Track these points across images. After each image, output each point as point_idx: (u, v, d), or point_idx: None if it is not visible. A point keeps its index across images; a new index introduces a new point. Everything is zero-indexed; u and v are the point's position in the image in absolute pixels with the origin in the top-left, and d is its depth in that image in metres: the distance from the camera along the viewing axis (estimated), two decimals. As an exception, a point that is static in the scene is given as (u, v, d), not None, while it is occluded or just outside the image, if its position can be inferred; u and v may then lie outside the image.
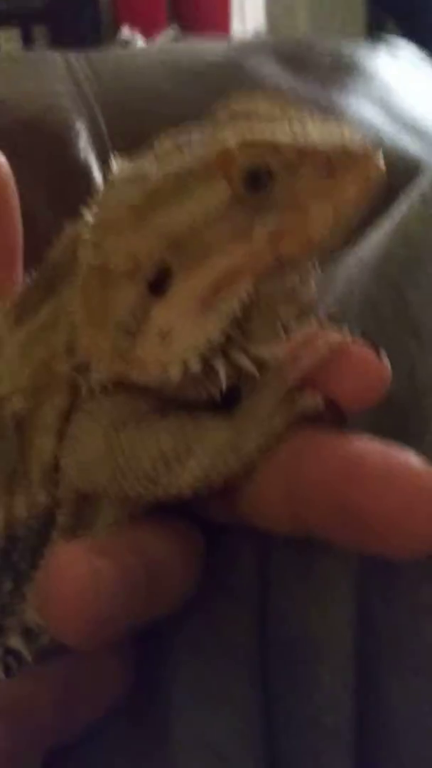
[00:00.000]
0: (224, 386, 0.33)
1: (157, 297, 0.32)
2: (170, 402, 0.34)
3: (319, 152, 0.30)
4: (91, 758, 0.39)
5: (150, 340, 0.32)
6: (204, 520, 0.37)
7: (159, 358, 0.32)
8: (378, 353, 0.31)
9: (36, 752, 0.36)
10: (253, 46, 0.77)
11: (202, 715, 0.38)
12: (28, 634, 0.36)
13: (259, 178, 0.30)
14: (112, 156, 0.35)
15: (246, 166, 0.30)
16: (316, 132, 0.31)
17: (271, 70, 0.72)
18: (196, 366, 0.31)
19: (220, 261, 0.31)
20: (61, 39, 2.83)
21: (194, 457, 0.32)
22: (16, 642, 0.36)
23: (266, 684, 0.38)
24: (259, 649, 0.38)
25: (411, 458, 0.28)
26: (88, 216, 0.33)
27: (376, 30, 3.16)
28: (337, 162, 0.30)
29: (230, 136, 0.31)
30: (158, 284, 0.32)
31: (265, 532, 0.35)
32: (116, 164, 0.35)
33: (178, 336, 0.31)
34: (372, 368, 0.31)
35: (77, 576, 0.28)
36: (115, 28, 4.35)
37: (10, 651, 0.36)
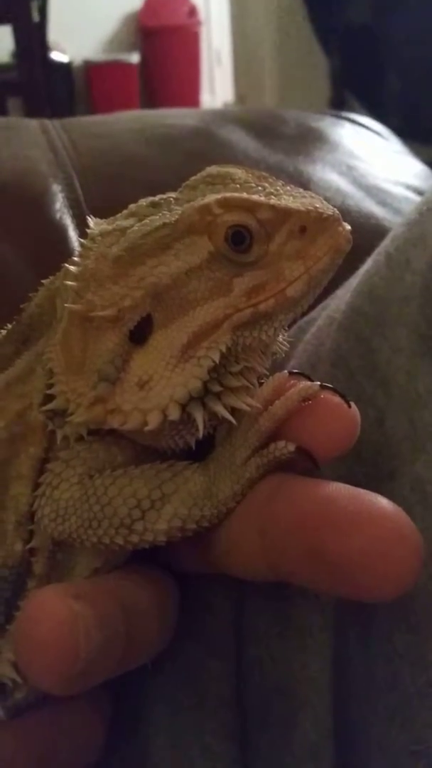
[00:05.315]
0: (201, 434, 0.33)
1: (137, 346, 0.33)
2: (145, 450, 0.35)
3: (294, 215, 0.32)
4: None
5: (129, 388, 0.32)
6: (177, 570, 0.37)
7: (138, 405, 0.32)
8: (347, 401, 0.32)
9: None
10: (223, 115, 0.80)
11: (181, 767, 0.37)
12: (2, 689, 0.36)
13: (240, 237, 0.32)
14: (88, 217, 0.37)
15: (229, 224, 0.32)
16: (289, 198, 0.33)
17: (240, 138, 0.75)
18: (174, 414, 0.32)
19: (200, 313, 0.32)
20: (36, 112, 2.89)
21: (169, 504, 0.32)
22: (-11, 698, 0.36)
23: (244, 734, 0.37)
24: (235, 699, 0.38)
25: (381, 501, 0.29)
26: (70, 267, 0.34)
27: (339, 106, 3.30)
28: (310, 225, 0.32)
29: (211, 197, 0.32)
30: (139, 333, 0.33)
31: (239, 581, 0.35)
32: (92, 222, 0.36)
33: (157, 384, 0.32)
34: (342, 415, 0.32)
35: (56, 618, 0.28)
36: (89, 101, 4.48)
37: (-18, 707, 0.36)
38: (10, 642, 0.35)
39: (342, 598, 0.35)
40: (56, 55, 3.84)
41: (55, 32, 3.34)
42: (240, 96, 3.91)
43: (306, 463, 0.32)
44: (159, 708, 0.39)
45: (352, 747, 0.35)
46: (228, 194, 0.32)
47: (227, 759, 0.37)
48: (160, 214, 0.33)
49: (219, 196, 0.32)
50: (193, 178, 0.36)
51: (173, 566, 0.37)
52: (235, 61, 4.03)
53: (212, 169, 0.35)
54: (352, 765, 0.35)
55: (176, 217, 0.32)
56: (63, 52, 4.08)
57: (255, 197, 0.32)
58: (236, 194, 0.32)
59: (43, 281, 0.37)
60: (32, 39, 2.91)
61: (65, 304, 0.33)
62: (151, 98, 4.66)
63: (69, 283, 0.33)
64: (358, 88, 3.33)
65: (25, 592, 0.35)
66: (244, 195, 0.32)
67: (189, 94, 4.74)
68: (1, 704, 0.35)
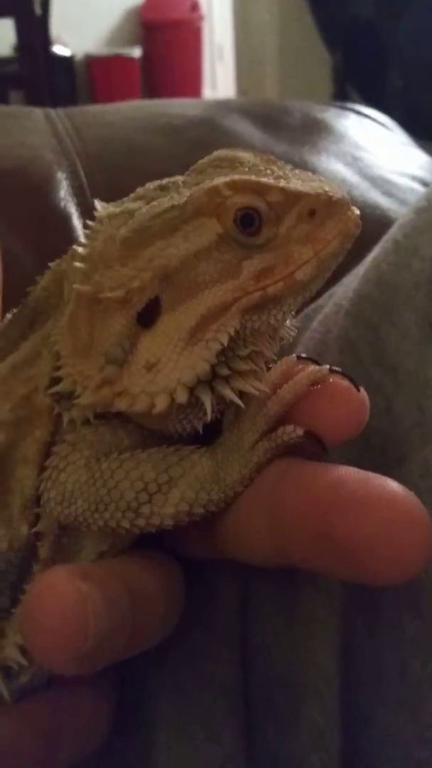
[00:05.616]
0: (209, 418, 0.33)
1: (145, 328, 0.32)
2: (152, 434, 0.34)
3: (304, 198, 0.32)
4: None
5: (137, 371, 0.32)
6: (183, 555, 0.37)
7: (145, 388, 0.32)
8: (356, 385, 0.32)
9: None
10: (227, 106, 0.80)
11: (185, 754, 0.37)
12: (7, 672, 0.35)
13: (249, 219, 0.32)
14: (93, 202, 0.36)
15: (238, 206, 0.31)
16: (298, 182, 0.33)
17: (245, 128, 0.75)
18: (182, 397, 0.32)
19: (208, 296, 0.32)
20: (37, 105, 2.87)
21: (176, 487, 0.32)
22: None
23: (250, 722, 0.37)
24: (241, 685, 0.38)
25: (391, 484, 0.28)
26: (78, 248, 0.34)
27: (341, 101, 3.28)
28: (320, 208, 0.32)
29: (220, 179, 0.32)
30: (147, 316, 0.32)
31: (245, 567, 0.35)
32: (99, 205, 0.36)
33: (165, 367, 0.32)
34: (351, 399, 0.32)
35: (65, 598, 0.28)
36: (90, 95, 4.47)
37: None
38: (16, 625, 0.35)
39: (350, 583, 0.35)
40: (58, 49, 3.83)
41: (57, 26, 3.33)
42: (242, 91, 3.90)
43: (314, 448, 0.32)
44: (164, 695, 0.38)
45: (359, 735, 0.35)
46: (237, 176, 0.32)
47: (233, 747, 0.37)
48: (169, 197, 0.33)
49: (228, 178, 0.32)
50: (201, 161, 0.35)
51: (179, 552, 0.37)
52: (237, 56, 4.01)
53: (220, 153, 0.35)
54: (360, 753, 0.35)
55: (185, 199, 0.32)
56: (65, 45, 4.07)
57: (264, 180, 0.32)
58: (245, 176, 0.32)
59: (49, 264, 0.37)
60: (34, 32, 2.90)
61: (73, 285, 0.33)
62: (153, 93, 4.64)
63: (77, 264, 0.33)
64: (361, 84, 3.32)
65: (30, 576, 0.35)
66: (254, 177, 0.32)
67: (191, 89, 4.72)
68: (6, 687, 0.35)
